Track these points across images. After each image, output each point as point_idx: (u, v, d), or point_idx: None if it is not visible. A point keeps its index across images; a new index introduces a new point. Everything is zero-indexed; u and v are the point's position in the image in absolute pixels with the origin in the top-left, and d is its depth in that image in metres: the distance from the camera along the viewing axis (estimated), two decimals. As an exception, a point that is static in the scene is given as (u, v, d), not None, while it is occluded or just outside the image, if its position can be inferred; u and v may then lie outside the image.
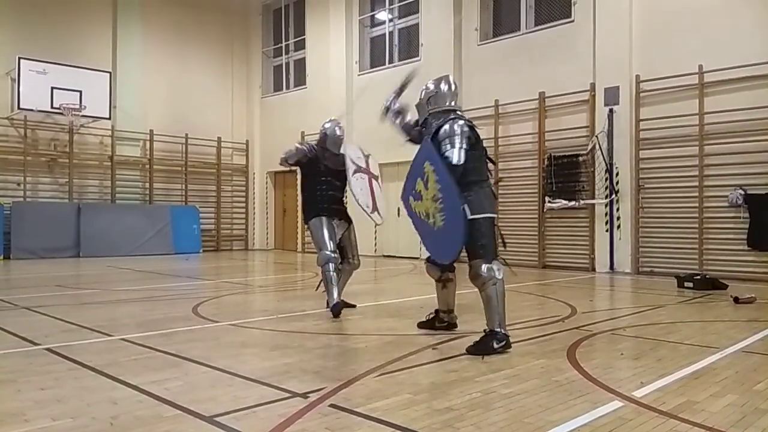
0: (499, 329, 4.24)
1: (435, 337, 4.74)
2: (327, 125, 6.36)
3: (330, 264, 5.97)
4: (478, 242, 4.31)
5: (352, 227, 6.40)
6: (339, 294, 5.93)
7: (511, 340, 4.34)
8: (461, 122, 4.44)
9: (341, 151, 6.26)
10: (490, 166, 4.74)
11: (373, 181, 6.37)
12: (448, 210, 4.14)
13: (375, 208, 6.33)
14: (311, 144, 6.28)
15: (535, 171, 11.56)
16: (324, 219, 6.10)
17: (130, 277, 9.86)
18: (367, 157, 6.40)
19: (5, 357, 4.11)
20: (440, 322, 5.00)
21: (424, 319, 5.13)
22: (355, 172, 6.11)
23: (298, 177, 6.35)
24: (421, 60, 13.92)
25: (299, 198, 6.38)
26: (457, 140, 4.33)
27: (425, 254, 4.96)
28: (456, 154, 4.28)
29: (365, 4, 15.56)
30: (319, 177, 6.17)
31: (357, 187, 6.07)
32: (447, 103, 4.65)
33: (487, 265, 4.30)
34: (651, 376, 3.58)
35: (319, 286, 6.49)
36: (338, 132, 6.30)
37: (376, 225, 6.19)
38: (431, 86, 4.73)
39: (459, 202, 4.11)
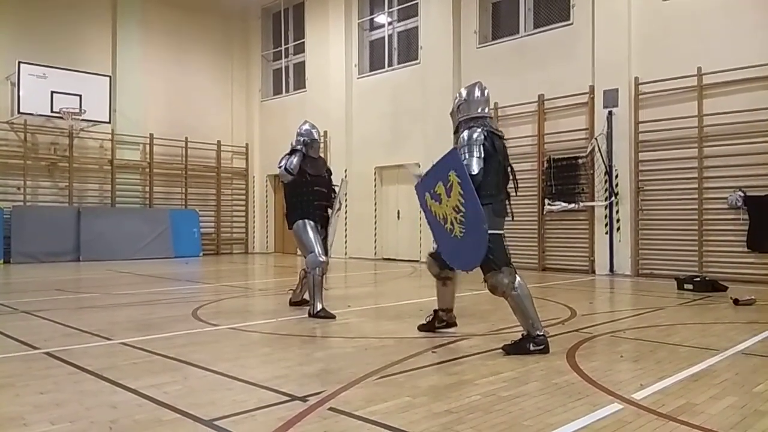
0: (535, 332, 4.26)
1: (434, 340, 4.74)
2: (305, 129, 6.33)
3: (318, 269, 5.99)
4: (487, 256, 4.32)
5: (327, 232, 6.40)
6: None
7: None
8: (478, 131, 4.43)
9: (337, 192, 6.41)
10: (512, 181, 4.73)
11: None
12: (470, 226, 4.15)
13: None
14: (297, 155, 6.16)
15: (535, 173, 11.58)
16: (310, 223, 6.13)
17: (129, 281, 9.86)
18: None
19: (4, 361, 4.11)
20: (439, 321, 5.04)
21: (423, 322, 5.13)
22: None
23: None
24: (420, 63, 13.96)
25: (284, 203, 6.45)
26: (474, 149, 4.34)
27: (426, 258, 4.99)
28: (472, 164, 4.29)
29: (364, 8, 15.59)
30: (305, 187, 6.17)
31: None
32: (478, 110, 4.61)
33: (500, 275, 4.33)
34: (650, 379, 3.58)
35: (300, 289, 6.56)
36: (315, 136, 6.36)
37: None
38: (463, 93, 4.73)
39: (483, 222, 4.10)
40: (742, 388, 3.40)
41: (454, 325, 5.01)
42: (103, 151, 15.49)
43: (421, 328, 5.11)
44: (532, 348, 4.22)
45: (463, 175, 4.16)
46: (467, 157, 4.32)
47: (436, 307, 5.06)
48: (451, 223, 4.25)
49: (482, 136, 4.40)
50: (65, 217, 14.23)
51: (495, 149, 4.45)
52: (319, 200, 6.24)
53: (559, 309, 6.46)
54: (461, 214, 4.17)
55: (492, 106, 12.13)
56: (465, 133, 4.45)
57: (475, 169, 4.27)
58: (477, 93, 4.66)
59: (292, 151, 6.23)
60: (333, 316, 5.82)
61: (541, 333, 4.29)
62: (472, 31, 12.86)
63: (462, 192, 4.14)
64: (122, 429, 2.74)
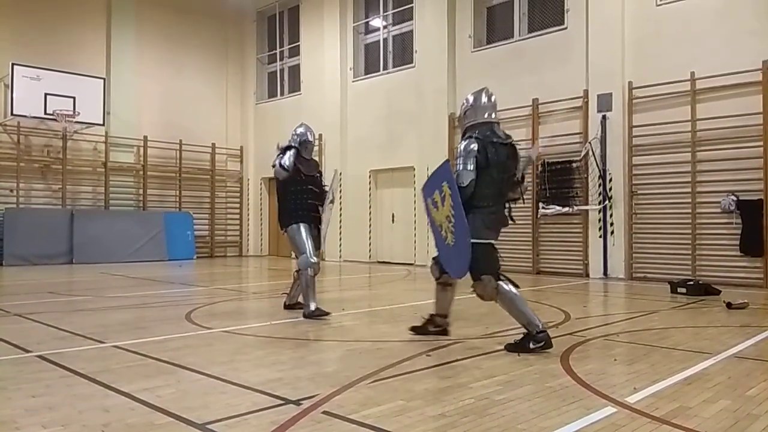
0: (534, 330, 4.30)
1: (429, 344, 4.73)
2: (300, 131, 6.44)
3: (310, 269, 6.10)
4: (473, 265, 4.36)
5: (320, 234, 6.50)
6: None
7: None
8: (474, 143, 4.46)
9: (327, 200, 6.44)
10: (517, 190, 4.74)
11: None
12: (458, 236, 4.31)
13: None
14: (292, 151, 6.20)
15: (529, 177, 11.59)
16: (303, 225, 6.21)
17: (123, 284, 9.82)
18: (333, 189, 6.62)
19: (-4, 364, 4.08)
20: (434, 326, 4.96)
21: (418, 324, 5.07)
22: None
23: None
24: (415, 66, 13.98)
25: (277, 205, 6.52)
26: (462, 161, 4.43)
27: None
28: (462, 176, 4.39)
29: (359, 11, 15.61)
30: (299, 185, 6.23)
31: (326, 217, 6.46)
32: (485, 116, 4.63)
33: (482, 282, 4.42)
34: (644, 382, 3.59)
35: (293, 289, 6.61)
36: (310, 137, 6.46)
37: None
38: (470, 99, 4.74)
39: (467, 235, 4.24)
40: (735, 392, 3.41)
41: (447, 333, 4.95)
42: (96, 154, 15.44)
43: (415, 330, 5.03)
44: (531, 346, 4.28)
45: (454, 187, 4.30)
46: (459, 168, 4.42)
47: (433, 312, 4.98)
48: (445, 231, 4.43)
49: (476, 148, 4.43)
50: (58, 220, 14.16)
51: (488, 162, 4.43)
52: (312, 200, 6.31)
53: (553, 312, 6.47)
54: (452, 224, 4.35)
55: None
56: (462, 144, 4.53)
57: (465, 181, 4.37)
58: (484, 99, 4.68)
59: (286, 149, 6.25)
60: (327, 313, 5.96)
61: (542, 330, 4.32)
62: (467, 35, 12.89)
63: (452, 204, 4.30)
64: (115, 433, 2.73)
